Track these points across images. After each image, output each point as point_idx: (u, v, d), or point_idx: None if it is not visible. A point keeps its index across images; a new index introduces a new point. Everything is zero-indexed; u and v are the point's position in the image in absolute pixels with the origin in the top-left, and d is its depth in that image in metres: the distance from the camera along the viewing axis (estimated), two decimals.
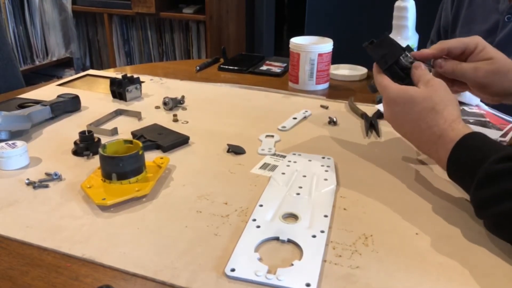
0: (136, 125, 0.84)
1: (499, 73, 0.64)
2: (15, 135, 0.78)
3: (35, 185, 0.64)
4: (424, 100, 0.60)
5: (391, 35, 1.02)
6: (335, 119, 0.87)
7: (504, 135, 0.79)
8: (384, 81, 0.65)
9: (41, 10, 2.74)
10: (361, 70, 1.17)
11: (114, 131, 0.81)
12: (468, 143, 0.56)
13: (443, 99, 0.60)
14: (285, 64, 1.24)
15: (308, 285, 0.45)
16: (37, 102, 0.94)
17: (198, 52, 2.75)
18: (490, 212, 0.52)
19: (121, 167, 0.61)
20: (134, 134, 0.79)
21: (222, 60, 1.30)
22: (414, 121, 0.61)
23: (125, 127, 0.83)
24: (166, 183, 0.65)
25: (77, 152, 0.73)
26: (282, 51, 3.05)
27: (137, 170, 0.63)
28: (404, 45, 0.67)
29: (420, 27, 1.07)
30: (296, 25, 3.08)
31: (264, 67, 1.22)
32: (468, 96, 0.88)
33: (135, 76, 0.99)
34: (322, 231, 0.53)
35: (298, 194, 0.61)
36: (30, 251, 0.51)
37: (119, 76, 0.99)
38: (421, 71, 0.63)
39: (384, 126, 0.85)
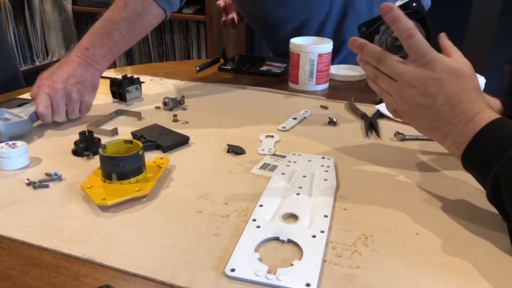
0: (136, 125, 0.85)
1: None
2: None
3: (35, 185, 0.64)
4: (469, 78, 0.57)
5: None
6: (335, 119, 0.87)
7: None
8: (425, 42, 0.58)
9: (41, 10, 2.74)
10: (361, 70, 1.17)
11: (114, 131, 0.81)
12: (505, 124, 0.55)
13: (477, 80, 0.59)
14: (285, 65, 1.24)
15: (308, 285, 0.45)
16: None
17: (198, 52, 2.75)
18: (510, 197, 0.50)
19: (121, 167, 0.61)
20: (134, 134, 0.79)
21: (222, 60, 1.30)
22: (456, 93, 0.57)
23: (125, 127, 0.83)
24: (166, 183, 0.65)
25: (77, 152, 0.73)
26: None
27: (137, 170, 0.63)
28: None
29: None
30: None
31: (264, 67, 1.22)
32: None
33: (135, 76, 0.99)
34: (322, 231, 0.53)
35: (298, 194, 0.61)
36: (30, 251, 0.51)
37: (119, 76, 0.99)
38: (448, 43, 0.60)
39: (384, 126, 0.85)
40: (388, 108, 0.64)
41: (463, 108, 0.56)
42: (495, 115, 0.55)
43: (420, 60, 0.57)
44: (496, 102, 0.66)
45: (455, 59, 0.58)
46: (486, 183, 0.53)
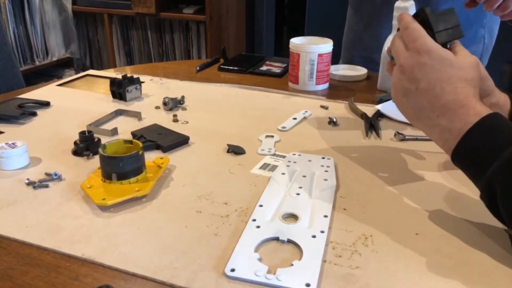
0: (136, 125, 0.84)
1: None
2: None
3: (35, 185, 0.64)
4: (461, 68, 0.55)
5: (391, 36, 1.02)
6: (335, 119, 0.87)
7: None
8: (422, 31, 0.57)
9: (41, 10, 2.74)
10: (361, 70, 1.17)
11: (114, 131, 0.81)
12: (496, 121, 0.52)
13: (476, 77, 0.56)
14: (285, 65, 1.24)
15: (308, 285, 0.45)
16: (37, 102, 0.94)
17: (198, 52, 2.75)
18: (506, 202, 0.48)
19: (121, 167, 0.61)
20: (134, 134, 0.79)
21: (222, 60, 1.30)
22: (440, 81, 0.55)
23: (125, 127, 0.83)
24: (166, 183, 0.65)
25: (77, 152, 0.73)
26: (282, 51, 3.05)
27: (137, 170, 0.63)
28: None
29: None
30: (296, 25, 3.08)
31: (264, 68, 1.22)
32: None
33: (135, 76, 0.99)
34: (322, 231, 0.53)
35: (298, 194, 0.61)
36: (30, 251, 0.51)
37: (119, 76, 0.99)
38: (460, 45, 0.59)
39: (384, 126, 0.85)
40: None
41: (446, 100, 0.54)
42: (484, 110, 0.52)
43: (411, 44, 0.57)
44: (507, 100, 0.64)
45: (458, 53, 0.57)
46: (479, 185, 0.52)
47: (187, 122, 0.87)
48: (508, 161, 0.48)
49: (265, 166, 0.70)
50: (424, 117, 0.56)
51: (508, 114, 0.64)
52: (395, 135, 0.81)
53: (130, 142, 0.66)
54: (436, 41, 0.58)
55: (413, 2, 0.97)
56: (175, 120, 0.87)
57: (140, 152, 0.63)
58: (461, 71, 0.55)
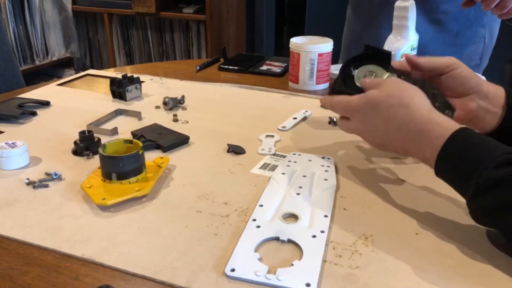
0: (136, 125, 0.84)
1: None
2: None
3: (35, 185, 0.64)
4: (387, 97, 0.58)
5: (392, 35, 1.02)
6: (335, 119, 0.87)
7: None
8: (341, 98, 0.64)
9: (41, 10, 2.74)
10: None
11: (114, 131, 0.81)
12: (461, 142, 0.52)
13: (406, 90, 0.58)
14: (285, 64, 1.24)
15: (308, 285, 0.45)
16: (37, 102, 0.94)
17: (198, 52, 2.75)
18: (491, 222, 0.50)
19: (121, 167, 0.61)
20: (134, 134, 0.79)
21: (222, 60, 1.30)
22: (385, 121, 0.58)
23: (125, 127, 0.83)
24: (166, 183, 0.65)
25: (77, 152, 0.73)
26: (282, 51, 3.05)
27: (137, 170, 0.63)
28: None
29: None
30: (296, 25, 3.08)
31: (264, 67, 1.22)
32: None
33: (135, 76, 0.99)
34: (322, 231, 0.53)
35: (298, 194, 0.61)
36: (30, 251, 0.51)
37: (119, 76, 0.99)
38: (369, 80, 0.63)
39: None
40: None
41: (404, 131, 0.57)
42: (444, 131, 0.53)
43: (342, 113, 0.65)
44: (498, 90, 0.66)
45: (380, 86, 0.61)
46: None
47: (187, 122, 0.87)
48: (477, 188, 0.48)
49: (265, 166, 0.70)
50: (405, 153, 0.61)
51: (503, 104, 0.65)
52: None
53: (130, 141, 0.66)
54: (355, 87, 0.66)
55: (413, 2, 0.97)
56: (175, 120, 0.87)
57: (140, 152, 0.63)
58: (389, 99, 0.59)
